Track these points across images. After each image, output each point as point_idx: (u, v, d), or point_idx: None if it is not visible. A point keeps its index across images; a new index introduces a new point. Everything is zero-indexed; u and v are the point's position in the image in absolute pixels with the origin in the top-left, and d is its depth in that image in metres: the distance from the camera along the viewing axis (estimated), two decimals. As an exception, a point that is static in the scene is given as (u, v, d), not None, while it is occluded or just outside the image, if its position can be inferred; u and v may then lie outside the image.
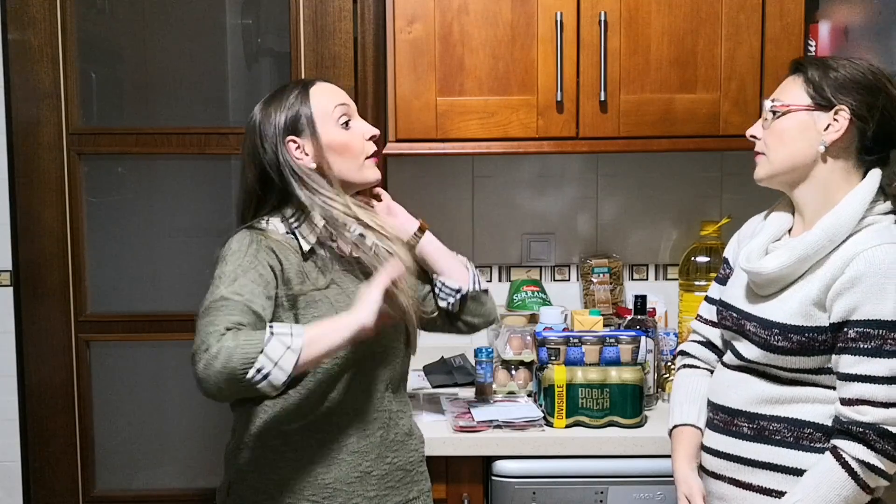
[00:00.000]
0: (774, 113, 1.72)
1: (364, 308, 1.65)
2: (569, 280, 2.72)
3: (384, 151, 2.29)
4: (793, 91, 1.71)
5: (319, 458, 1.79)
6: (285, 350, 1.58)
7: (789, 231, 1.78)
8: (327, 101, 1.84)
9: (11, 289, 2.63)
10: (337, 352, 1.70)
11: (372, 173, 1.87)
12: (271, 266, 1.73)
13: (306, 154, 1.82)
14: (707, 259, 2.50)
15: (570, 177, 2.70)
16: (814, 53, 2.30)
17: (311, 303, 1.77)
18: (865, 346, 1.59)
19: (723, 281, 1.90)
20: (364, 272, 1.82)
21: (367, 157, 1.85)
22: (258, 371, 1.57)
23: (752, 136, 1.77)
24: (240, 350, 1.56)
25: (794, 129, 1.70)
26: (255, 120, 1.84)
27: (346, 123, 1.84)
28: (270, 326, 1.61)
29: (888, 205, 1.69)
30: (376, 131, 1.88)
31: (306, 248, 1.79)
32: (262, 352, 1.57)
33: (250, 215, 1.85)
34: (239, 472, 1.82)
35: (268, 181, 1.82)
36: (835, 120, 1.66)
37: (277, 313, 1.73)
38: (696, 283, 2.48)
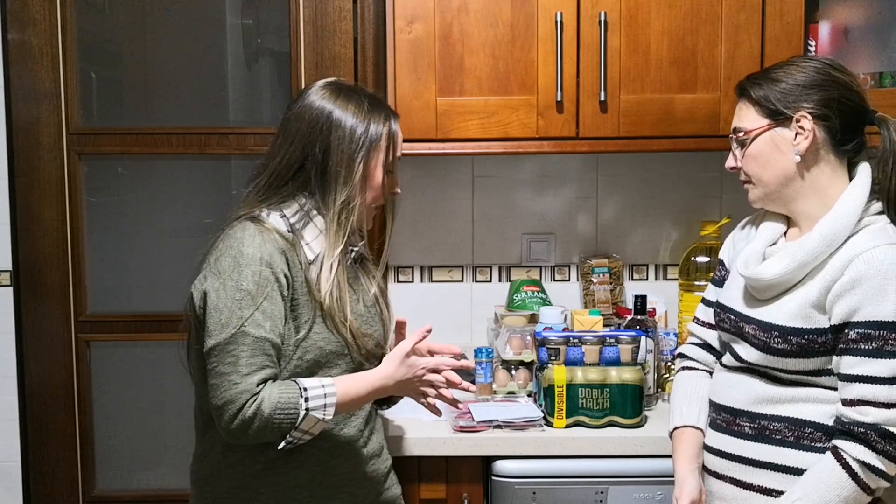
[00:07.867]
0: (742, 143, 1.74)
1: (392, 368, 1.71)
2: (569, 280, 2.72)
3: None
4: (747, 116, 1.73)
5: (308, 486, 1.75)
6: (316, 422, 1.65)
7: (784, 234, 1.78)
8: (399, 143, 1.85)
9: (11, 289, 2.62)
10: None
11: (367, 221, 1.85)
12: (285, 274, 1.70)
13: None
14: (707, 259, 2.50)
15: (570, 177, 2.69)
16: (814, 53, 2.30)
17: (309, 319, 1.73)
18: (866, 347, 1.59)
19: (719, 283, 1.90)
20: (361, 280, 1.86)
21: (375, 206, 1.84)
22: (289, 442, 1.65)
23: (731, 168, 1.79)
24: (275, 421, 1.61)
25: (766, 151, 1.71)
26: (325, 107, 1.76)
27: (392, 170, 1.84)
28: (305, 400, 1.63)
29: (881, 204, 1.70)
30: (399, 192, 1.89)
31: (311, 256, 1.74)
32: (296, 427, 1.63)
33: (261, 195, 1.77)
34: (216, 501, 1.76)
35: (303, 168, 1.76)
36: (800, 128, 1.67)
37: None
38: (696, 283, 2.48)
